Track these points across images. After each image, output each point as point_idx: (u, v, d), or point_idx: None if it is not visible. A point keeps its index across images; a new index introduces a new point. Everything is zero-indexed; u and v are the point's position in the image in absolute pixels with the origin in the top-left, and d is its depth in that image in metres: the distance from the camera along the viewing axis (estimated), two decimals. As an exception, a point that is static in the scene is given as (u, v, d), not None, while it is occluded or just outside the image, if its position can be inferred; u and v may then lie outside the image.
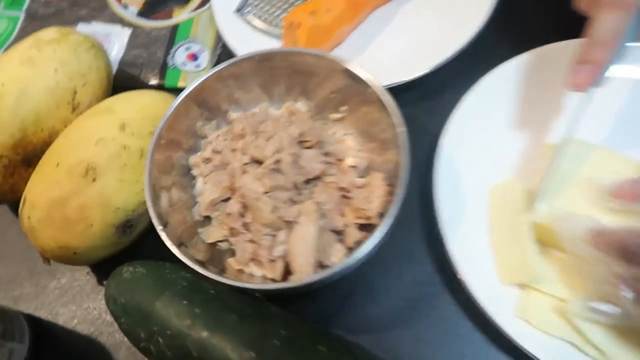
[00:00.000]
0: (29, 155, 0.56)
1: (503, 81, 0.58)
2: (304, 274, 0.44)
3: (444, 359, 0.50)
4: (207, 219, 0.54)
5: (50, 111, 0.56)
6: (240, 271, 0.50)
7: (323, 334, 0.46)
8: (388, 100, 0.48)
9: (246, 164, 0.51)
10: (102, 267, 0.55)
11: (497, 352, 0.49)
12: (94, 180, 0.50)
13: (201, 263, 0.46)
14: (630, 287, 0.42)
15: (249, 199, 0.48)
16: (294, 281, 0.43)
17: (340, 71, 0.52)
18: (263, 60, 0.55)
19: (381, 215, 0.50)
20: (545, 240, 0.50)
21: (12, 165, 0.55)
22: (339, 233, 0.51)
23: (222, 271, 0.50)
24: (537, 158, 0.55)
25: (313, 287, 0.46)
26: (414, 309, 0.52)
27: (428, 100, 0.63)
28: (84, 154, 0.51)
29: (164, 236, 0.46)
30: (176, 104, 0.52)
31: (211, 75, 0.54)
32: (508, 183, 0.54)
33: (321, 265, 0.48)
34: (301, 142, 0.52)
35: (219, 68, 0.54)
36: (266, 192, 0.48)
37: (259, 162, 0.51)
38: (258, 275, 0.50)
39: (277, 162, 0.50)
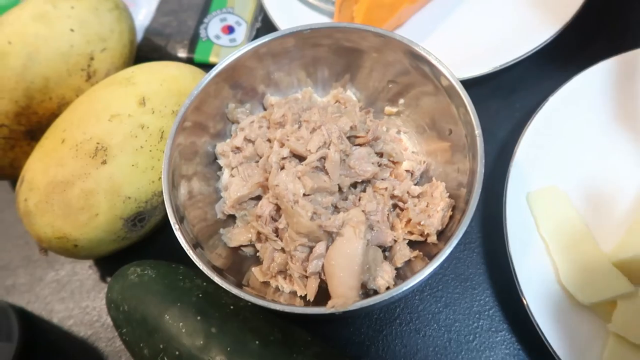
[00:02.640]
0: (33, 127, 0.48)
1: (596, 86, 0.48)
2: (345, 299, 0.36)
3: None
4: (231, 218, 0.46)
5: (61, 78, 0.49)
6: (266, 284, 0.43)
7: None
8: (465, 95, 0.40)
9: (284, 158, 0.42)
10: (107, 261, 0.48)
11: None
12: (103, 162, 0.42)
13: (219, 271, 0.39)
14: None
15: (285, 200, 0.40)
16: (332, 307, 0.35)
17: (406, 55, 0.44)
18: (310, 37, 0.46)
19: (440, 233, 0.42)
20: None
21: (14, 137, 0.48)
22: (385, 249, 0.43)
23: (242, 281, 0.42)
24: (631, 179, 0.46)
25: (354, 314, 0.38)
26: (465, 345, 0.44)
27: (496, 100, 0.54)
28: (94, 131, 0.43)
29: (179, 236, 0.39)
30: (206, 80, 0.45)
31: (248, 50, 0.46)
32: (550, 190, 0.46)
33: (364, 287, 0.40)
34: (351, 138, 0.44)
35: (258, 43, 0.46)
36: (306, 195, 0.40)
37: (300, 157, 0.43)
38: (286, 291, 0.42)
39: (322, 159, 0.42)
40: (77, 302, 0.49)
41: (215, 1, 0.65)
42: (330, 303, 0.36)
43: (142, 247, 0.47)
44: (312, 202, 0.40)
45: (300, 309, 0.37)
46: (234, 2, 0.64)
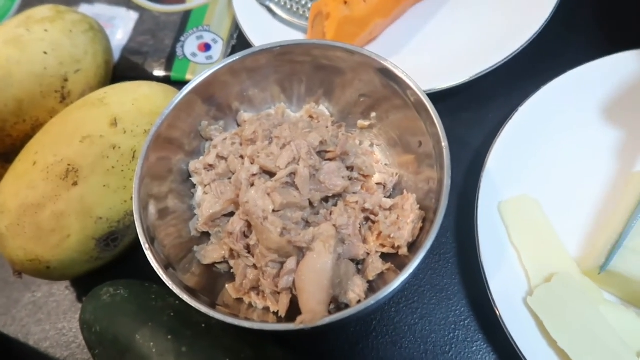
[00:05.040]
0: (7, 150, 0.49)
1: (566, 93, 0.49)
2: (314, 315, 0.36)
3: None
4: (205, 235, 0.46)
5: (35, 100, 0.49)
6: (239, 300, 0.42)
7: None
8: (432, 108, 0.40)
9: (254, 174, 0.43)
10: (84, 281, 0.48)
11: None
12: (74, 184, 0.42)
13: (191, 290, 0.39)
14: None
15: (255, 217, 0.40)
16: (302, 323, 0.35)
17: (375, 70, 0.44)
18: (284, 53, 0.47)
19: (411, 245, 0.42)
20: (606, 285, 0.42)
21: (-13, 159, 0.48)
22: (358, 262, 0.43)
23: (216, 299, 0.42)
24: (601, 187, 0.47)
25: (324, 329, 0.38)
26: (441, 356, 0.44)
27: (468, 111, 0.55)
28: (65, 153, 0.43)
29: (150, 256, 0.39)
30: (179, 98, 0.45)
31: (222, 67, 0.46)
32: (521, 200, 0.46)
33: (336, 301, 0.40)
34: (321, 153, 0.44)
35: (232, 60, 0.46)
36: (275, 210, 0.40)
37: (270, 173, 0.43)
38: (259, 308, 0.42)
39: (292, 174, 0.42)
40: (54, 323, 0.49)
41: (191, 20, 0.65)
42: (299, 319, 0.36)
43: (118, 266, 0.47)
44: (282, 217, 0.40)
45: (270, 325, 0.37)
46: (210, 20, 0.65)
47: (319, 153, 0.44)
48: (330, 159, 0.44)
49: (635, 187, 0.43)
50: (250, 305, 0.42)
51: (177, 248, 0.44)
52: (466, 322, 0.45)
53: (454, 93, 0.52)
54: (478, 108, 0.55)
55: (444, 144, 0.40)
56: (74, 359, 0.47)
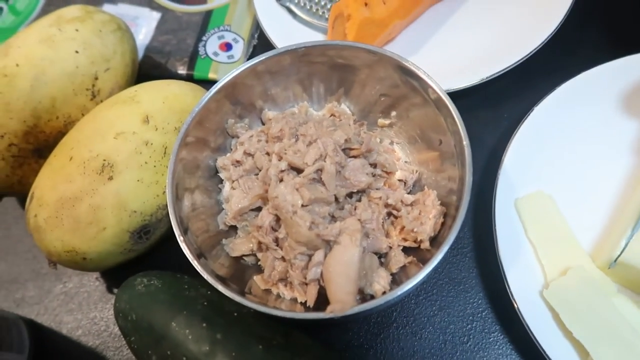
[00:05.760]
0: (40, 145, 0.50)
1: (582, 93, 0.51)
2: (343, 304, 0.38)
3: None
4: (233, 229, 0.48)
5: (67, 98, 0.51)
6: (267, 291, 0.44)
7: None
8: (453, 106, 0.42)
9: (282, 170, 0.44)
10: (113, 273, 0.50)
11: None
12: (110, 178, 0.44)
13: (222, 280, 0.41)
14: None
15: (284, 211, 0.42)
16: (331, 312, 0.37)
17: (395, 69, 0.46)
18: (306, 54, 0.49)
19: (432, 239, 0.44)
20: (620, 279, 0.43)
21: (22, 155, 0.50)
22: (381, 256, 0.45)
23: (245, 289, 0.44)
24: (615, 183, 0.48)
25: (351, 318, 0.40)
26: (459, 346, 0.46)
27: (483, 110, 0.56)
28: (100, 148, 0.45)
29: (184, 247, 0.40)
30: (207, 97, 0.47)
31: (247, 68, 0.48)
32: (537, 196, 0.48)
33: (361, 292, 0.41)
34: (346, 150, 0.46)
35: (256, 61, 0.48)
36: (304, 205, 0.42)
37: (297, 169, 0.45)
38: (287, 298, 0.44)
39: (319, 171, 0.44)
40: (85, 313, 0.51)
41: (213, 20, 0.67)
42: (329, 308, 0.38)
43: (147, 258, 0.49)
44: (310, 212, 0.42)
45: (300, 314, 0.39)
46: (231, 20, 0.67)
47: (344, 150, 0.46)
48: (354, 156, 0.46)
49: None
50: (278, 296, 0.44)
51: (207, 241, 0.46)
52: (484, 314, 0.47)
53: (470, 92, 0.54)
54: (494, 107, 0.56)
55: (465, 142, 0.42)
56: (106, 346, 0.49)
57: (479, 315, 0.47)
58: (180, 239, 0.41)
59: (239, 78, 0.48)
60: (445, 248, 0.38)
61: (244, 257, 0.47)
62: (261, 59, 0.48)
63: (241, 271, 0.46)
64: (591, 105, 0.51)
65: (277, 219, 0.44)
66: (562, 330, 0.42)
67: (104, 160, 0.44)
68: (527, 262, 0.45)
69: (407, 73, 0.45)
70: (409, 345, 0.47)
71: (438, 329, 0.47)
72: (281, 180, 0.44)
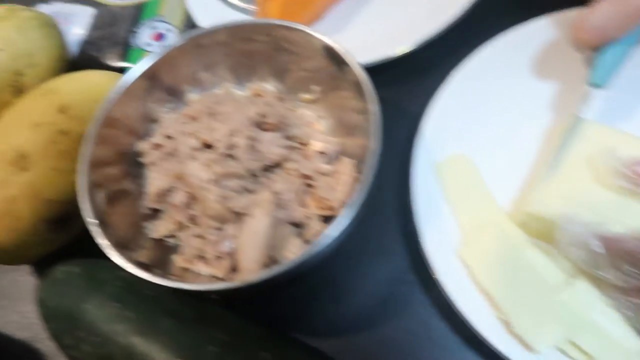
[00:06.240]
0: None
1: (496, 58, 0.51)
2: (249, 273, 0.38)
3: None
4: (157, 212, 0.48)
5: (-10, 94, 0.51)
6: (186, 269, 0.44)
7: (271, 338, 0.40)
8: (364, 78, 0.42)
9: (196, 149, 0.45)
10: (46, 265, 0.49)
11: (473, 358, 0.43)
12: (24, 169, 0.44)
13: (144, 265, 0.41)
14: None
15: (195, 187, 0.42)
16: (236, 281, 0.37)
17: (316, 47, 0.46)
18: (229, 34, 0.49)
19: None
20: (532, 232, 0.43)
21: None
22: (299, 226, 0.45)
23: (169, 269, 0.44)
24: (532, 142, 0.49)
25: (263, 287, 0.40)
26: (382, 310, 0.46)
27: (411, 81, 0.56)
28: (15, 141, 0.45)
29: (96, 234, 0.40)
30: (124, 82, 0.47)
31: (170, 51, 0.49)
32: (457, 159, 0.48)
33: (275, 263, 0.42)
34: (262, 125, 0.46)
35: (179, 43, 0.48)
36: (215, 180, 0.42)
37: (211, 147, 0.45)
38: (205, 274, 0.44)
39: (231, 146, 0.44)
40: (18, 307, 0.51)
41: (146, 12, 0.67)
42: (234, 278, 0.38)
43: (78, 247, 0.49)
44: (222, 187, 0.42)
45: (204, 285, 0.38)
46: (164, 11, 0.67)
47: (259, 125, 0.46)
48: (268, 130, 0.46)
49: (561, 131, 0.45)
50: (197, 273, 0.44)
51: (132, 226, 0.46)
52: (408, 277, 0.47)
53: (399, 64, 0.54)
54: (420, 77, 0.56)
55: (372, 107, 0.42)
56: (36, 338, 0.49)
57: (404, 279, 0.47)
58: (91, 227, 0.41)
59: (162, 62, 0.49)
60: (350, 209, 0.38)
61: (167, 239, 0.47)
62: (183, 41, 0.48)
63: (165, 253, 0.46)
64: (506, 68, 0.51)
65: (192, 197, 0.44)
66: (477, 287, 0.42)
67: (19, 151, 0.45)
68: (445, 223, 0.46)
69: (326, 50, 0.46)
70: (334, 312, 0.47)
71: (362, 294, 0.47)
72: (194, 159, 0.44)
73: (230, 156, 0.44)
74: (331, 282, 0.48)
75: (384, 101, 0.52)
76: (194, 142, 0.44)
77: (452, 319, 0.43)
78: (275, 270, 0.37)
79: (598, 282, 0.40)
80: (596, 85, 0.45)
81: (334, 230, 0.38)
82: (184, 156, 0.45)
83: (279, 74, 0.52)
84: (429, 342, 0.44)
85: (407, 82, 0.56)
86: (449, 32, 0.54)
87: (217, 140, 0.44)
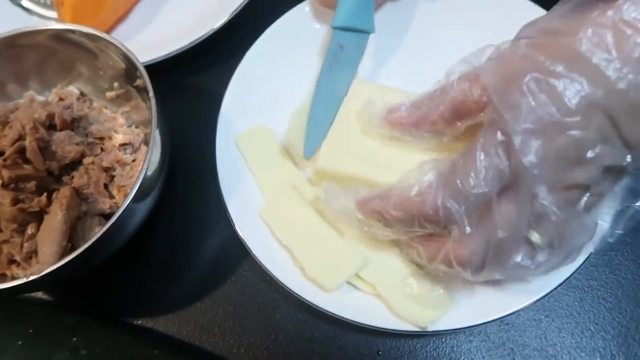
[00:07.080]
0: None
1: (279, 37, 0.55)
2: (47, 265, 0.40)
3: (253, 326, 0.48)
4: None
5: None
6: (4, 276, 0.45)
7: (87, 324, 0.42)
8: (141, 67, 0.45)
9: (-11, 159, 0.46)
10: None
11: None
12: None
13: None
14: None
15: (-12, 195, 0.43)
16: (27, 275, 0.39)
17: (108, 46, 0.48)
18: (20, 40, 0.50)
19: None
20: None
21: None
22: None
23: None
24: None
25: (58, 277, 0.41)
26: (212, 279, 0.50)
27: (217, 65, 0.60)
28: None
29: None
30: None
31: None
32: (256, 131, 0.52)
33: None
34: (54, 125, 0.48)
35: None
36: (6, 185, 0.43)
37: (3, 154, 0.46)
38: (22, 278, 0.45)
39: (22, 150, 0.45)
40: None
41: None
42: (29, 271, 0.40)
43: None
44: (16, 190, 0.44)
45: (9, 284, 0.40)
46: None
47: (51, 126, 0.48)
48: (61, 129, 0.48)
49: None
50: (14, 278, 0.45)
51: None
52: (231, 244, 0.50)
53: (204, 52, 0.58)
54: (228, 62, 0.59)
55: (151, 94, 0.45)
56: None
57: (227, 246, 0.51)
58: None
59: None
60: (132, 192, 0.41)
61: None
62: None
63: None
64: (295, 44, 0.55)
65: (-8, 206, 0.45)
66: (278, 244, 0.46)
67: None
68: (249, 190, 0.49)
69: (115, 49, 0.47)
70: (164, 294, 0.50)
71: (192, 267, 0.50)
72: (-11, 168, 0.45)
73: (24, 160, 0.45)
74: (160, 263, 0.51)
75: (192, 87, 0.56)
76: (-15, 152, 0.45)
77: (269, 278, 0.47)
78: (69, 257, 0.39)
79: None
80: (337, 27, 0.50)
81: (119, 211, 0.40)
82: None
83: (81, 76, 0.53)
84: (253, 302, 0.49)
85: (215, 68, 0.60)
86: (247, 19, 0.58)
87: (5, 147, 0.45)
